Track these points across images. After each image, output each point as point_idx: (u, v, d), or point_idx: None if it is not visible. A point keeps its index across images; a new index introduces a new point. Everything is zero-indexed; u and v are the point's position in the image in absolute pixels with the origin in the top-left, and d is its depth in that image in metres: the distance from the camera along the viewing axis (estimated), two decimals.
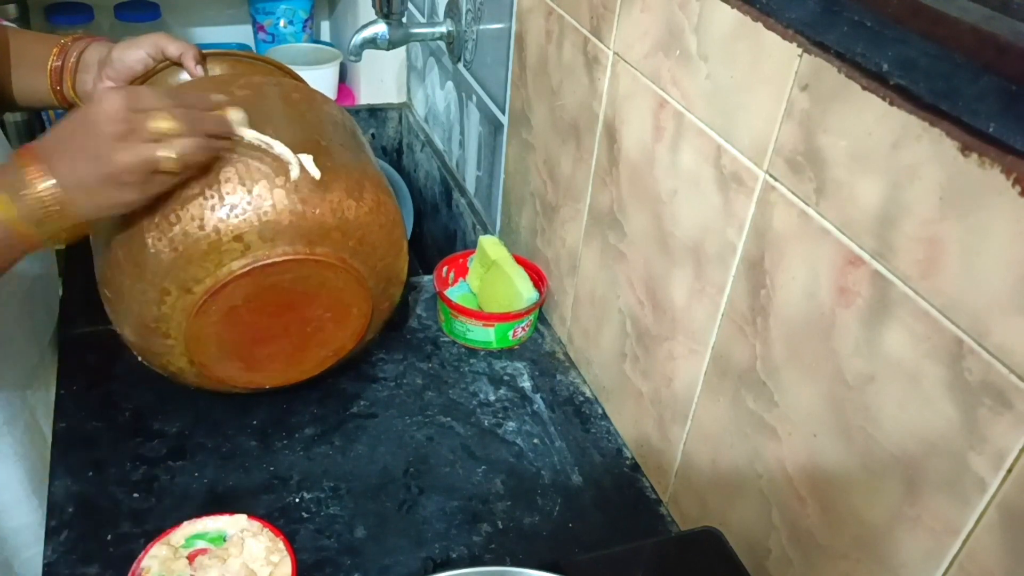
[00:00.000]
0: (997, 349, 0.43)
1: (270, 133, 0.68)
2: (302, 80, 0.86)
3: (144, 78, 0.79)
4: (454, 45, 1.19)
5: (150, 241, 0.67)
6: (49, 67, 0.78)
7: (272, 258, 0.70)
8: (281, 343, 0.77)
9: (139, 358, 0.78)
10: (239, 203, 0.68)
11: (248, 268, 0.69)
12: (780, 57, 0.55)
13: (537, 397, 0.89)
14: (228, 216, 0.67)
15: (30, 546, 0.86)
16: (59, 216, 0.60)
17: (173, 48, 0.79)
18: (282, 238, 0.70)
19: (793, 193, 0.56)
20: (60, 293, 0.96)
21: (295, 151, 0.68)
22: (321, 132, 0.75)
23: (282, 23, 1.71)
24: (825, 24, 0.51)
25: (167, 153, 0.60)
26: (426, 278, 1.05)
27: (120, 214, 0.66)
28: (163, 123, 0.60)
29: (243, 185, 0.68)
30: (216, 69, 0.82)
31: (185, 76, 0.80)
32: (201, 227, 0.67)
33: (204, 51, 0.81)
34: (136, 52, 0.78)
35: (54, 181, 0.58)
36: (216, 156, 0.66)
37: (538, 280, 0.97)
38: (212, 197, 0.67)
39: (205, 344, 0.73)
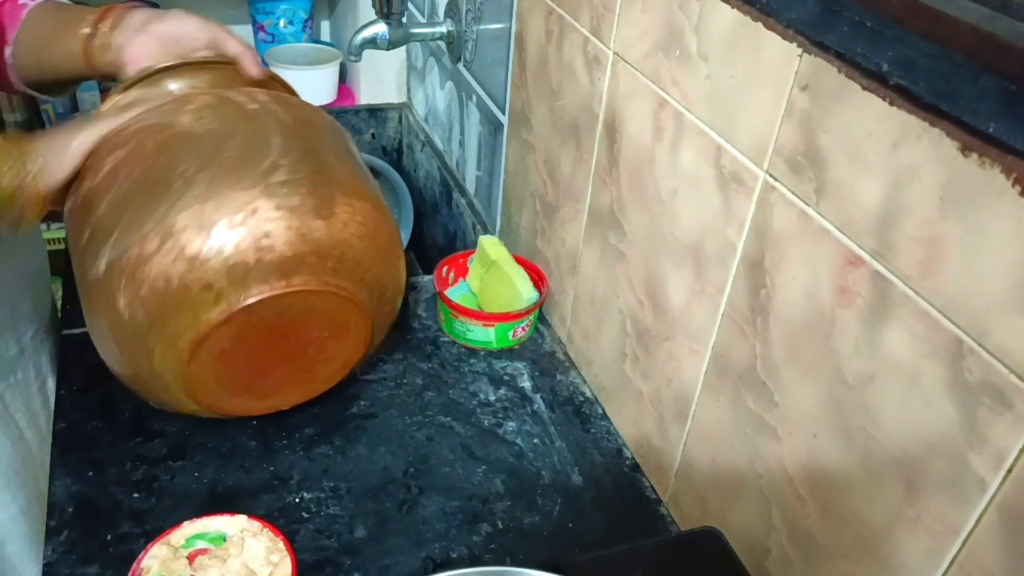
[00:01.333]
0: (997, 349, 0.43)
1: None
2: (281, 82, 0.84)
3: (173, 65, 0.75)
4: (454, 45, 1.19)
5: (122, 304, 0.65)
6: (80, 31, 0.75)
7: (248, 299, 0.67)
8: (286, 369, 0.76)
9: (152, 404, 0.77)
10: (200, 251, 0.64)
11: (225, 315, 0.66)
12: (780, 57, 0.55)
13: (537, 397, 0.89)
14: (191, 267, 0.64)
15: (8, 542, 0.86)
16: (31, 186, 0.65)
17: (233, 46, 0.76)
18: (253, 277, 0.66)
19: (793, 193, 0.56)
20: (57, 291, 0.96)
21: (242, 175, 0.66)
22: (267, 148, 0.68)
23: (282, 23, 1.72)
24: (825, 24, 0.51)
25: None
26: (426, 278, 1.05)
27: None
28: None
29: (200, 231, 0.64)
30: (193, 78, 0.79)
31: (173, 87, 0.77)
32: (167, 282, 0.64)
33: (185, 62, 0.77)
34: (196, 32, 0.75)
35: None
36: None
37: (538, 280, 0.97)
38: (171, 251, 0.64)
39: (207, 387, 0.72)
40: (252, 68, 0.77)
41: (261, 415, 0.80)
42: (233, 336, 0.69)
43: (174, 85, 0.78)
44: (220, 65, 0.80)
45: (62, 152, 0.68)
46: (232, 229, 0.64)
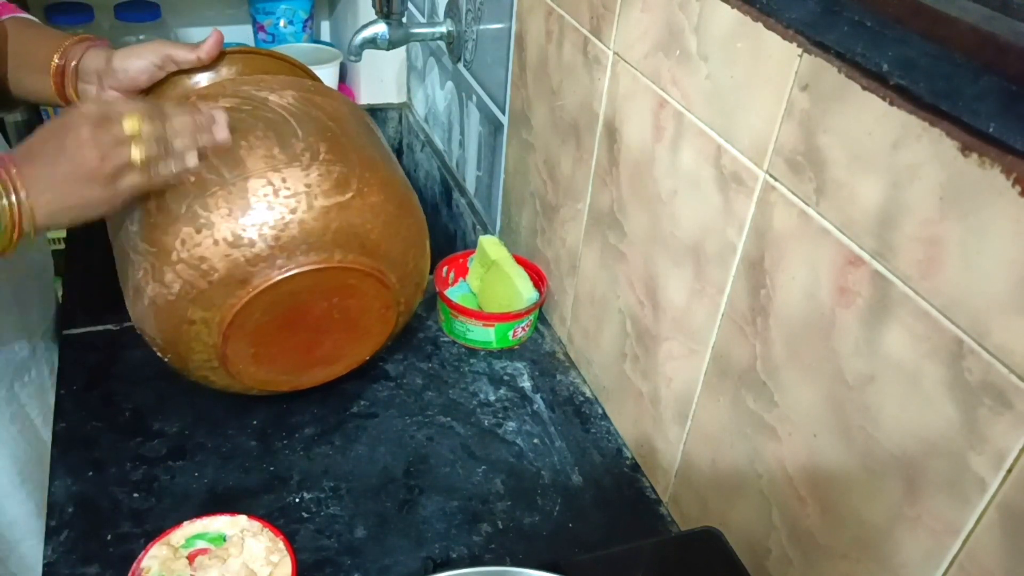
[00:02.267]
0: (997, 349, 0.43)
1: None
2: (310, 73, 0.85)
3: (149, 90, 0.78)
4: (454, 45, 1.19)
5: (168, 278, 0.68)
6: (52, 68, 0.77)
7: (278, 276, 0.69)
8: (315, 345, 0.77)
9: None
10: (232, 229, 0.67)
11: (256, 291, 0.69)
12: (780, 57, 0.55)
13: (537, 397, 0.89)
14: (224, 244, 0.67)
15: (24, 540, 0.86)
16: (19, 224, 0.59)
17: (182, 54, 0.76)
18: (283, 254, 0.69)
19: (793, 193, 0.56)
20: (58, 290, 0.96)
21: (272, 157, 0.68)
22: (297, 134, 0.71)
23: (282, 23, 1.71)
24: (825, 24, 0.51)
25: (134, 151, 0.61)
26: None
27: (89, 219, 0.64)
28: (131, 122, 0.61)
29: (233, 210, 0.67)
30: (231, 66, 0.81)
31: (192, 82, 0.79)
32: (203, 259, 0.67)
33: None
34: (138, 62, 0.76)
35: (23, 193, 0.59)
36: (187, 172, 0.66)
37: (538, 280, 0.97)
38: (204, 229, 0.67)
39: (241, 360, 0.74)
40: (209, 53, 0.77)
41: (251, 398, 0.81)
42: (265, 310, 0.71)
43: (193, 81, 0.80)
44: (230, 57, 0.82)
45: (73, 212, 0.63)
46: (264, 209, 0.67)
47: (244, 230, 0.67)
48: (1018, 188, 0.41)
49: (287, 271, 0.69)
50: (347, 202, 0.70)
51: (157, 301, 0.70)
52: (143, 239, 0.69)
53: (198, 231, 0.67)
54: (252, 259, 0.68)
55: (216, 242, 0.67)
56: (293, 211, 0.68)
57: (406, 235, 0.77)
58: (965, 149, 0.43)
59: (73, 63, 0.77)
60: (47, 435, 0.86)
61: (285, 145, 0.70)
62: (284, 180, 0.68)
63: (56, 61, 0.77)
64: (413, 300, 0.82)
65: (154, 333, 0.73)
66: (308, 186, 0.69)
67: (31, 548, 0.87)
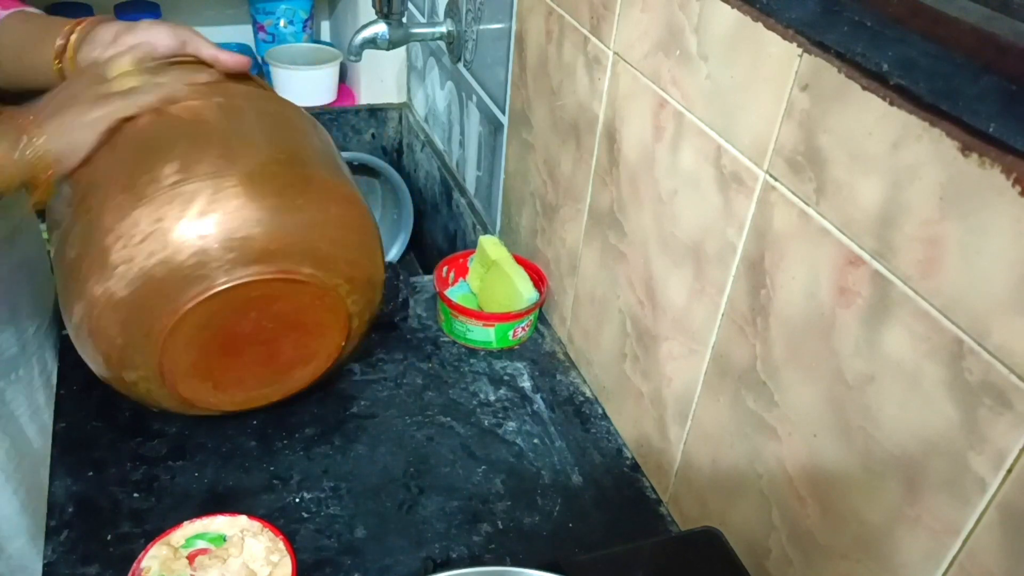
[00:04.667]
0: (997, 349, 0.43)
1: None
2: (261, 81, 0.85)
3: (158, 63, 0.77)
4: (454, 45, 1.19)
5: (97, 292, 0.66)
6: (56, 43, 0.76)
7: (215, 288, 0.67)
8: (264, 362, 0.75)
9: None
10: (168, 241, 0.65)
11: (194, 303, 0.67)
12: (780, 57, 0.55)
13: (537, 397, 0.89)
14: (160, 258, 0.65)
15: (12, 539, 0.86)
16: (40, 152, 0.65)
17: (207, 51, 0.77)
18: (221, 266, 0.66)
19: (793, 193, 0.56)
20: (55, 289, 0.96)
21: (212, 164, 0.67)
22: (239, 140, 0.70)
23: (282, 23, 1.72)
24: (825, 24, 0.51)
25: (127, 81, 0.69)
26: (426, 278, 1.05)
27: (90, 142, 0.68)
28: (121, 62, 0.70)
29: (170, 221, 0.65)
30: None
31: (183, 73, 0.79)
32: (137, 273, 0.65)
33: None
34: (166, 38, 0.76)
35: (44, 137, 0.65)
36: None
37: (538, 280, 0.97)
38: (139, 242, 0.65)
39: (185, 380, 0.72)
40: (229, 62, 0.77)
41: (245, 410, 0.79)
42: (205, 325, 0.69)
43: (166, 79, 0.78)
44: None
45: (75, 134, 0.67)
46: (201, 218, 0.65)
47: (183, 239, 0.65)
48: (1018, 188, 0.41)
49: (171, 320, 0.67)
50: (298, 216, 0.68)
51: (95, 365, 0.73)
52: (84, 242, 0.68)
53: (131, 231, 0.65)
54: (132, 315, 0.67)
55: (148, 249, 0.65)
56: (236, 224, 0.66)
57: (296, 219, 0.69)
58: (965, 149, 0.43)
59: (77, 34, 0.76)
60: (33, 432, 0.86)
61: (131, 186, 0.66)
62: (136, 224, 0.65)
63: (61, 37, 0.76)
64: (360, 276, 0.75)
65: (123, 392, 0.75)
66: (159, 220, 0.65)
67: (22, 546, 0.86)
